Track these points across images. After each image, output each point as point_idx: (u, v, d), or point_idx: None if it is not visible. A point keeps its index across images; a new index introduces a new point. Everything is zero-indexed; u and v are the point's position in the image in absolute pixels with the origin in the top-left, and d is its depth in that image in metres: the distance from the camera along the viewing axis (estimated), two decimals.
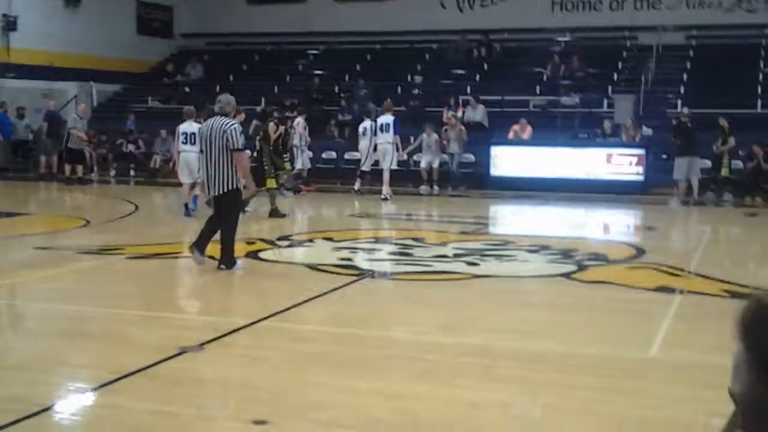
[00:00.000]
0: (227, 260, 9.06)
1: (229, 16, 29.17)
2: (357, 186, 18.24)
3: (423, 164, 19.48)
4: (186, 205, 14.09)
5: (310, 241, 11.87)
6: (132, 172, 23.06)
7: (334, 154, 21.35)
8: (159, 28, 29.49)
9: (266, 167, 14.01)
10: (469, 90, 23.25)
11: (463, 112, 21.25)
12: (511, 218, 15.72)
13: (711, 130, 18.02)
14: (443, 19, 26.95)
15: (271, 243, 11.40)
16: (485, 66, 25.30)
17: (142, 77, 28.47)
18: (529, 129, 19.97)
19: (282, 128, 15.48)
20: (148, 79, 28.48)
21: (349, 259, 10.12)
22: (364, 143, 18.38)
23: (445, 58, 26.12)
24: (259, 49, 28.99)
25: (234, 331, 6.72)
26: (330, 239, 11.90)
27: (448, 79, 24.91)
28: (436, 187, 19.24)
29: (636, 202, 17.48)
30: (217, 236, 9.13)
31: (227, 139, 8.84)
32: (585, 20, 25.88)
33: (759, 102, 21.14)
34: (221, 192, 8.95)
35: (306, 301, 7.83)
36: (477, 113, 21.45)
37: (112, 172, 23.06)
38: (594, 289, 8.59)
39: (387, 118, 17.90)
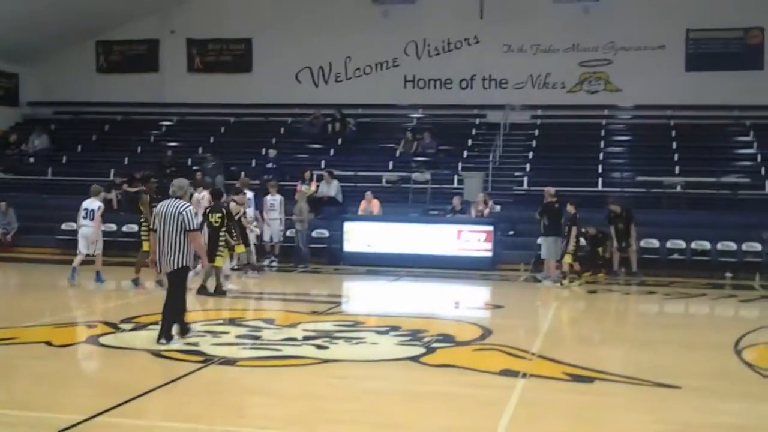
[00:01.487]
0: (166, 332, 9.73)
1: (78, 84, 28.51)
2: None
3: (266, 237, 19.35)
4: (73, 271, 15.03)
5: (156, 323, 11.46)
6: None
7: None
8: (3, 96, 28.43)
9: (221, 244, 14.28)
10: (323, 164, 23.41)
11: (317, 187, 21.34)
12: (362, 296, 15.72)
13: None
14: (298, 93, 27.20)
15: (114, 326, 10.97)
16: (339, 141, 25.58)
17: None
18: (376, 203, 20.25)
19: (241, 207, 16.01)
20: None
21: (195, 344, 9.83)
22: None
23: (300, 132, 26.27)
24: (109, 119, 28.38)
25: (68, 428, 6.38)
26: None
27: (302, 153, 25.03)
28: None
29: (485, 278, 17.87)
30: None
31: (182, 221, 9.59)
32: (436, 98, 26.64)
33: (600, 180, 22.16)
34: (174, 269, 9.67)
35: (147, 392, 7.54)
36: (331, 188, 21.57)
37: None
38: (441, 373, 8.65)
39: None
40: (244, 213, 16.78)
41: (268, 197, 19.52)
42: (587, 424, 6.89)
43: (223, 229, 14.45)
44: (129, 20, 28.23)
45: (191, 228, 9.67)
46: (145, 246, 14.03)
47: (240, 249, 15.98)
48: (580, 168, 22.70)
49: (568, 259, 16.47)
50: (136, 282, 14.83)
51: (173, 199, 9.86)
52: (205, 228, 14.11)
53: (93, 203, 15.40)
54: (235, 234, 15.36)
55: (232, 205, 15.65)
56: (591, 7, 25.33)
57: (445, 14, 26.21)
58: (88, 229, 15.23)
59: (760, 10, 24.43)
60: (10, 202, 22.00)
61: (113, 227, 21.30)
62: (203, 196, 18.51)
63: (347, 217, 20.08)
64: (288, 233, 19.83)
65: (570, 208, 16.61)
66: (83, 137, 27.29)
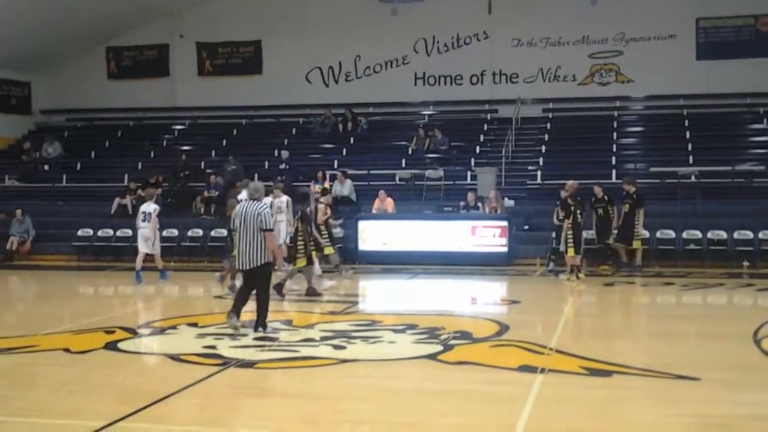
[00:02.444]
0: (263, 323, 10.54)
1: (90, 91, 28.68)
2: None
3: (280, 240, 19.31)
4: (138, 273, 16.59)
5: (173, 327, 11.52)
6: None
7: (200, 232, 20.99)
8: (16, 104, 28.59)
9: (300, 247, 14.28)
10: (336, 164, 23.44)
11: (331, 186, 21.35)
12: (378, 295, 15.74)
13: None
14: (309, 93, 27.24)
15: (132, 332, 11.02)
16: (351, 140, 25.60)
17: None
18: (389, 201, 20.23)
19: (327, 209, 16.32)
20: (4, 157, 27.52)
21: (213, 347, 9.86)
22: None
23: (312, 132, 26.30)
24: (121, 124, 28.53)
25: None
26: (194, 324, 11.61)
27: (315, 153, 25.07)
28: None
29: (500, 274, 17.85)
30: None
31: (261, 221, 10.32)
32: (447, 94, 26.64)
33: (614, 172, 22.08)
34: (253, 266, 10.40)
35: (166, 396, 7.57)
36: (345, 187, 21.60)
37: None
38: (458, 370, 8.63)
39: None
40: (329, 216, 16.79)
41: (275, 200, 19.14)
42: (607, 419, 6.87)
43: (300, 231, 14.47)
44: (138, 26, 28.38)
45: (267, 228, 10.39)
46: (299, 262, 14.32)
47: (329, 250, 16.21)
48: (594, 160, 22.62)
49: (570, 253, 16.30)
50: (232, 288, 14.77)
51: (252, 201, 10.62)
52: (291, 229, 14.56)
53: (149, 206, 17.09)
54: (324, 235, 15.81)
55: (320, 206, 16.07)
56: None
57: (453, 10, 26.18)
58: (146, 230, 16.92)
59: None
60: (25, 210, 22.10)
61: (129, 232, 21.40)
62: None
63: (361, 216, 20.09)
64: None
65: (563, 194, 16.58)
66: (96, 143, 27.46)
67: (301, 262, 14.25)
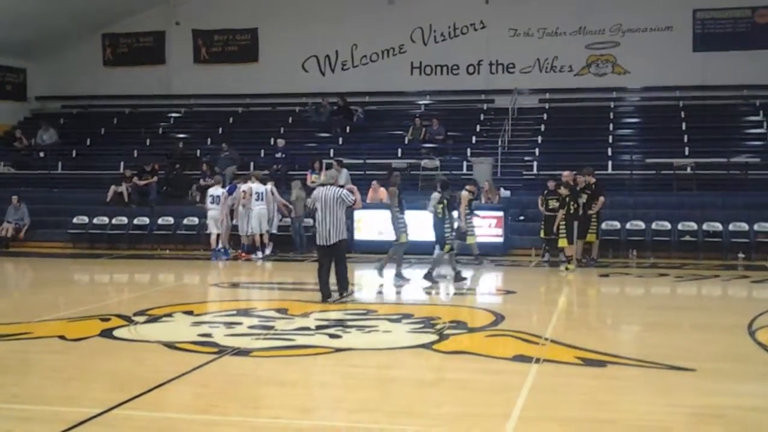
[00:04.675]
0: (344, 287, 12.58)
1: (86, 78, 28.57)
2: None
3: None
4: (216, 251, 18.94)
5: (169, 315, 11.51)
6: None
7: (196, 220, 20.95)
8: (11, 91, 28.49)
9: (447, 232, 14.80)
10: (332, 153, 23.39)
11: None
12: (374, 284, 15.74)
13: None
14: (305, 82, 27.17)
15: (127, 319, 11.01)
16: (347, 129, 25.55)
17: None
18: (383, 191, 20.13)
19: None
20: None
21: (208, 335, 9.87)
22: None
23: (308, 121, 26.25)
24: (117, 111, 28.43)
25: (83, 422, 6.41)
26: (190, 312, 11.62)
27: (311, 142, 25.03)
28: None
29: (496, 264, 17.84)
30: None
31: (342, 200, 12.18)
32: (443, 84, 26.59)
33: (610, 163, 22.09)
34: (334, 242, 12.15)
35: (161, 384, 7.58)
36: (341, 177, 21.50)
37: None
38: (453, 359, 8.65)
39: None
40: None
41: (252, 185, 19.10)
42: (601, 408, 6.89)
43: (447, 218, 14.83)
44: (134, 12, 28.28)
45: (350, 203, 12.39)
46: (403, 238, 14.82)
47: (471, 240, 16.32)
48: (590, 151, 22.57)
49: (563, 243, 16.35)
50: (400, 276, 14.88)
51: (328, 186, 12.36)
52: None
53: (217, 190, 19.25)
54: (469, 223, 16.10)
55: (464, 194, 16.28)
56: None
57: None
58: (215, 212, 19.00)
59: None
60: (21, 196, 22.05)
61: (124, 220, 21.39)
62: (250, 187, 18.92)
63: None
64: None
65: (562, 191, 16.60)
66: (92, 131, 27.37)
67: (447, 248, 14.80)
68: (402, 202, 14.98)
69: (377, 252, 18.72)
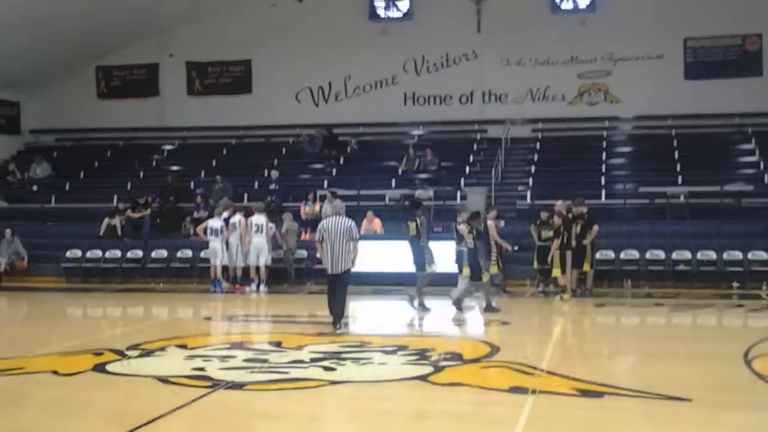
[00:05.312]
0: (340, 316, 12.69)
1: (80, 110, 28.65)
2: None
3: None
4: (216, 281, 18.75)
5: (162, 349, 11.43)
6: None
7: (189, 253, 20.90)
8: (5, 124, 28.52)
9: (481, 263, 14.76)
10: (326, 184, 23.41)
11: (321, 207, 21.30)
12: (368, 316, 15.68)
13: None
14: (298, 113, 27.25)
15: (120, 354, 10.92)
16: (341, 160, 25.58)
17: None
18: (377, 221, 20.19)
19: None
20: None
21: (202, 369, 9.79)
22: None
23: (302, 152, 26.28)
24: (111, 144, 28.47)
25: None
26: (184, 346, 11.53)
27: (305, 174, 25.05)
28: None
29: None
30: None
31: (350, 233, 12.42)
32: (436, 114, 26.70)
33: (603, 192, 22.12)
34: (342, 271, 12.45)
35: (155, 419, 7.49)
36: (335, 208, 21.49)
37: None
38: (449, 392, 8.58)
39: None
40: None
41: (253, 218, 19.14)
42: None
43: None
44: (128, 45, 28.41)
45: (356, 238, 12.53)
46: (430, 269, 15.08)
47: (494, 269, 16.19)
48: (583, 181, 22.66)
49: (556, 272, 16.37)
50: (423, 306, 14.92)
51: (337, 216, 12.72)
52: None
53: (216, 222, 19.24)
54: (495, 253, 15.95)
55: (490, 223, 16.18)
56: (588, 18, 25.42)
57: (442, 30, 26.30)
58: (216, 244, 18.89)
59: (757, 17, 24.51)
60: (14, 230, 21.94)
61: (118, 254, 21.32)
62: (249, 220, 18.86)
63: None
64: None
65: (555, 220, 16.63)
66: (85, 164, 27.38)
67: (485, 277, 14.72)
68: (428, 233, 15.00)
69: (371, 283, 18.73)
